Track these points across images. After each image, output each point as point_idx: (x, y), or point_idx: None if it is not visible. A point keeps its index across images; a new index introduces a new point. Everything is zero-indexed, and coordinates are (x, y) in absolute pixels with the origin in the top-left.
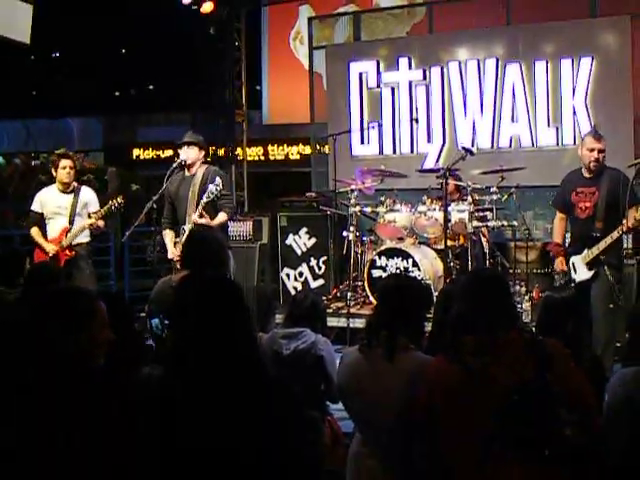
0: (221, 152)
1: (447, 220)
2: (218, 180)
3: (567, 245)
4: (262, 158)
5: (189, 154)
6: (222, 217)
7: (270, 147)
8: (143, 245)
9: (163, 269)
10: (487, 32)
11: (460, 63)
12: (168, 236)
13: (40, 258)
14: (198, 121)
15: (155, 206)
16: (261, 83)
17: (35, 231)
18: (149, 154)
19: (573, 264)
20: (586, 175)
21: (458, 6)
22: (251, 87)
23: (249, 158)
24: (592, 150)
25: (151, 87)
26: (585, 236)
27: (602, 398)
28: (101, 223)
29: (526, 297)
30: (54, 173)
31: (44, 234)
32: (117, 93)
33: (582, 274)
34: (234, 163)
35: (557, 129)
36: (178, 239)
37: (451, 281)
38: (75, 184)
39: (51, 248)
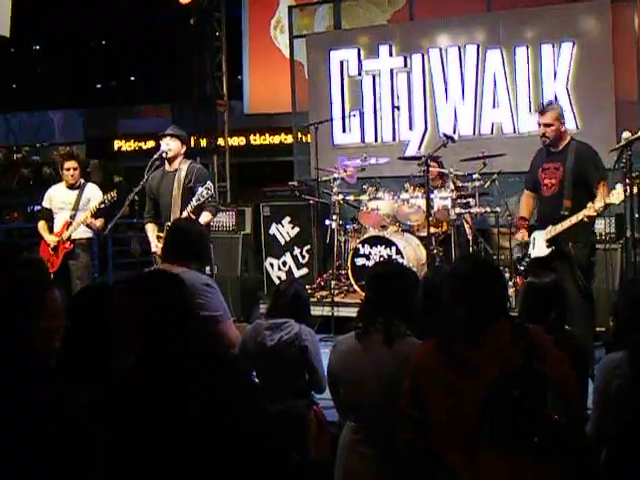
0: (203, 142)
1: (430, 207)
2: (209, 184)
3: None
4: (244, 148)
5: (171, 146)
6: (206, 217)
7: (252, 137)
8: (126, 237)
9: (146, 262)
10: (468, 19)
11: (441, 50)
12: (150, 230)
13: (45, 250)
14: (179, 112)
15: (137, 198)
16: (242, 73)
17: (41, 225)
18: (131, 146)
19: (534, 239)
20: (552, 150)
21: None
22: (232, 77)
23: (231, 148)
24: (539, 125)
25: (132, 78)
26: (550, 215)
27: (585, 384)
28: (99, 223)
29: (510, 283)
30: (60, 172)
31: (51, 228)
32: (98, 85)
33: (538, 250)
34: (216, 153)
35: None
36: (162, 234)
37: (434, 268)
38: (82, 181)
39: (52, 240)
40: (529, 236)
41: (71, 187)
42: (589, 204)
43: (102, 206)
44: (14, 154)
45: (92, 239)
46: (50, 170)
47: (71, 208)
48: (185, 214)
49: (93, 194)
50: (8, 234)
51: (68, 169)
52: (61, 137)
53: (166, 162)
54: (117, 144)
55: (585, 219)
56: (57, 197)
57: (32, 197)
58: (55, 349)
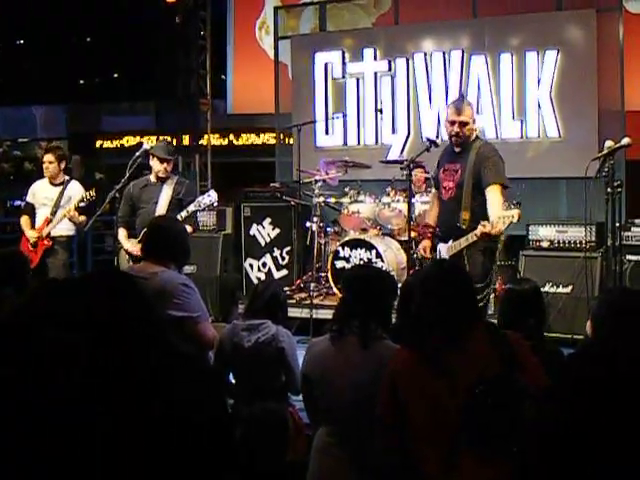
0: (185, 141)
1: (411, 211)
2: (213, 193)
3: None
4: (226, 148)
5: (167, 169)
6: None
7: (234, 137)
8: (106, 235)
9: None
10: (453, 24)
11: (425, 55)
12: (122, 233)
13: (25, 245)
14: (162, 110)
15: (118, 195)
16: (226, 72)
17: (24, 220)
18: (113, 143)
19: (439, 252)
20: (455, 150)
21: None
22: (216, 76)
23: (213, 148)
24: (453, 123)
25: (116, 75)
26: (449, 224)
27: None
28: (82, 218)
29: (488, 289)
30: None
31: (33, 224)
32: (81, 81)
33: None
34: (198, 152)
35: (521, 122)
36: (134, 240)
37: (414, 273)
38: (66, 177)
39: (32, 235)
40: (434, 248)
41: (53, 183)
42: (491, 217)
43: (81, 204)
44: None
45: (72, 237)
46: (31, 165)
47: (52, 205)
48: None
49: (74, 192)
50: None
51: (44, 162)
52: (43, 132)
53: (153, 175)
54: (99, 141)
55: (476, 237)
56: (40, 193)
57: (12, 192)
58: None
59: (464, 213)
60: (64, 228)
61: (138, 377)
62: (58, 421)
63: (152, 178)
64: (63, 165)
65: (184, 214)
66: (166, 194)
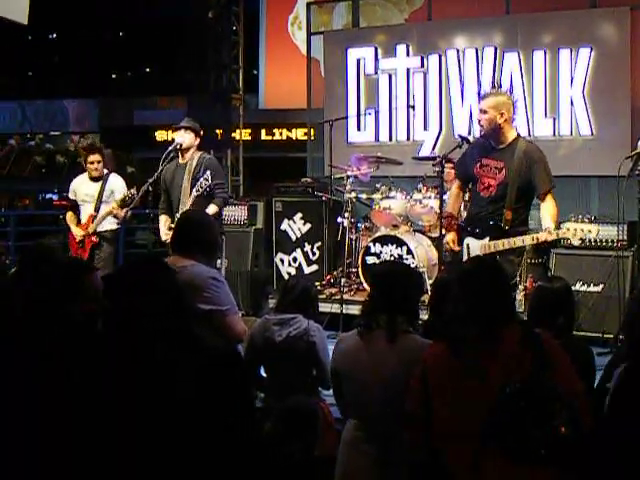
0: (217, 136)
1: (443, 208)
2: (207, 174)
3: (463, 220)
4: (258, 143)
5: (185, 138)
6: (212, 209)
7: (266, 132)
8: (135, 228)
9: (159, 252)
10: (486, 21)
11: (458, 51)
12: (163, 221)
13: (73, 242)
14: (194, 104)
15: (150, 189)
16: (258, 67)
17: (69, 216)
18: (145, 137)
19: (468, 246)
20: (495, 146)
21: None
22: (248, 71)
23: (245, 142)
24: (478, 111)
25: (148, 70)
26: (487, 221)
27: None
28: (123, 212)
29: (519, 287)
30: (84, 165)
31: (79, 219)
32: (114, 75)
33: None
34: (230, 147)
35: (554, 120)
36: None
37: (447, 268)
38: (105, 171)
39: (79, 233)
40: (460, 241)
41: (94, 179)
42: (546, 224)
43: (122, 203)
44: (28, 141)
45: (117, 230)
46: (63, 158)
47: (95, 201)
48: (188, 206)
49: (116, 185)
50: (19, 221)
51: (92, 162)
52: (75, 126)
53: (179, 154)
54: (131, 134)
55: (530, 241)
56: (81, 189)
57: (44, 185)
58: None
59: (507, 213)
60: (108, 222)
61: (141, 370)
62: None
63: (180, 159)
64: (104, 160)
65: (191, 200)
66: (188, 175)
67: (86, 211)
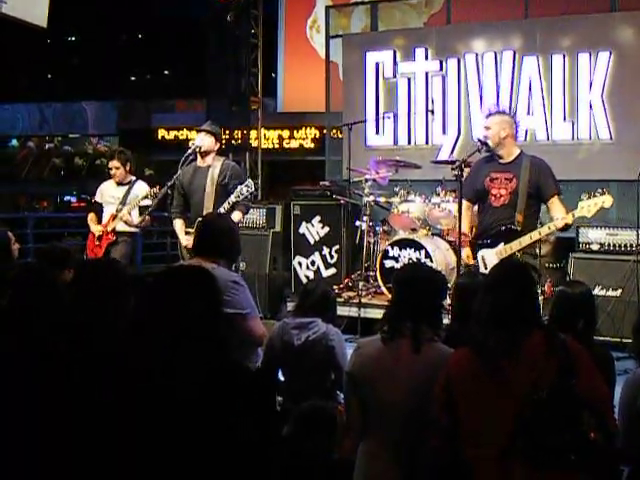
0: (236, 139)
1: (461, 212)
2: (250, 182)
3: (474, 235)
4: (276, 146)
5: (205, 142)
6: (237, 216)
7: (284, 135)
8: (156, 231)
9: (175, 255)
10: (505, 24)
11: (477, 55)
12: (178, 225)
13: (91, 240)
14: (213, 107)
15: (170, 192)
16: (277, 71)
17: (91, 216)
18: (165, 139)
19: (483, 257)
20: (501, 160)
21: None
22: (267, 74)
23: (263, 146)
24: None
25: (166, 72)
26: (500, 228)
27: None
28: (139, 219)
29: (539, 291)
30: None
31: (100, 220)
32: (133, 78)
33: None
34: (248, 150)
35: (573, 124)
36: (190, 229)
37: (465, 274)
38: (132, 178)
39: (97, 229)
40: (474, 255)
41: (121, 183)
42: (560, 216)
43: (145, 201)
44: (47, 144)
45: (136, 234)
46: (82, 161)
47: (118, 202)
48: (222, 210)
49: (141, 191)
50: (38, 223)
51: (111, 168)
52: (94, 129)
53: (198, 157)
54: (151, 137)
55: (545, 233)
56: (107, 192)
57: (62, 187)
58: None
59: (519, 216)
60: (127, 226)
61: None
62: None
63: (199, 161)
64: (128, 167)
65: (226, 206)
66: (211, 180)
67: (109, 211)
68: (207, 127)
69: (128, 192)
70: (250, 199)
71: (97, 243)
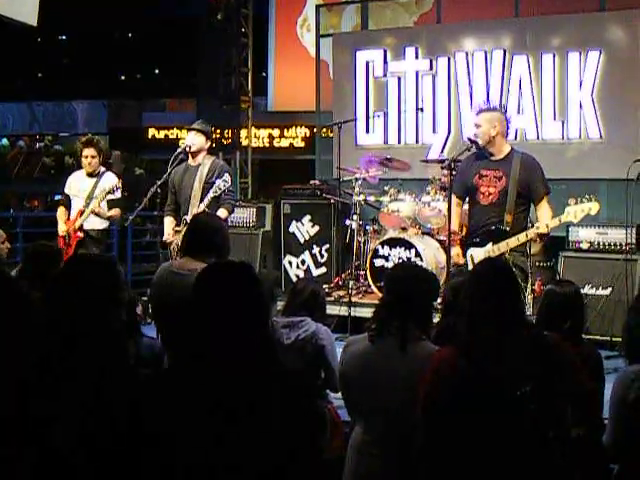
0: (226, 138)
1: (450, 211)
2: (227, 177)
3: (464, 234)
4: (266, 145)
5: (195, 141)
6: (222, 214)
7: (275, 134)
8: (146, 230)
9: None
10: (495, 23)
11: (467, 54)
12: (168, 222)
13: (61, 240)
14: (203, 107)
15: (159, 191)
16: (267, 70)
17: (60, 211)
18: (156, 138)
19: (472, 256)
20: (492, 157)
21: None
22: (257, 74)
23: (254, 145)
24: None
25: (157, 72)
26: (489, 227)
27: (600, 391)
28: (113, 212)
29: (528, 290)
30: (80, 159)
31: (70, 215)
32: (123, 77)
33: None
34: (238, 149)
35: (563, 123)
36: (179, 228)
37: (458, 273)
38: (102, 169)
39: (63, 228)
40: (464, 253)
41: (90, 175)
42: (543, 221)
43: (111, 196)
44: (37, 143)
45: (106, 231)
46: (72, 160)
47: (86, 196)
48: (202, 207)
49: (109, 183)
50: (28, 222)
51: (86, 156)
52: (84, 128)
53: (189, 156)
54: (140, 136)
55: (532, 235)
56: (75, 184)
57: (53, 186)
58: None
59: (508, 216)
60: (96, 221)
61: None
62: None
63: (190, 161)
64: (102, 157)
65: (206, 202)
66: (199, 179)
67: (76, 206)
68: (198, 126)
69: (96, 185)
70: (233, 197)
71: (66, 242)
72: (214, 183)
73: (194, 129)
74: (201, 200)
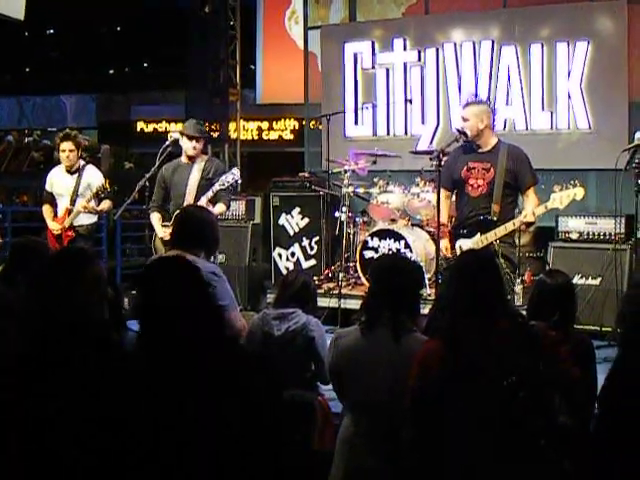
0: (215, 131)
1: (440, 202)
2: (236, 171)
3: (452, 226)
4: (255, 137)
5: (196, 146)
6: (220, 209)
7: (264, 126)
8: (135, 224)
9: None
10: (483, 14)
11: (455, 45)
12: (155, 218)
13: (50, 238)
14: (192, 100)
15: (148, 184)
16: (255, 62)
17: (45, 209)
18: (142, 132)
19: (460, 247)
20: (479, 150)
21: None
22: (245, 66)
23: (242, 137)
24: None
25: (145, 65)
26: (477, 218)
27: (591, 379)
28: (103, 206)
29: (518, 280)
30: (57, 154)
31: (56, 213)
32: (111, 71)
33: None
34: (227, 142)
35: (551, 113)
36: (169, 223)
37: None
38: (81, 163)
39: (55, 227)
40: (453, 246)
41: (69, 171)
42: (529, 210)
43: (98, 196)
44: (26, 137)
45: (94, 225)
46: None
47: (71, 194)
48: (204, 201)
49: (92, 178)
50: (16, 217)
51: (64, 150)
52: (73, 122)
53: (184, 157)
54: (130, 129)
55: (518, 224)
56: (57, 182)
57: (42, 181)
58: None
59: (495, 206)
60: (84, 217)
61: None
62: None
63: (183, 159)
64: (80, 151)
65: (210, 194)
66: (195, 175)
67: (63, 204)
68: (197, 133)
69: (79, 181)
70: (231, 191)
71: (58, 241)
72: (212, 180)
73: (194, 137)
74: (198, 196)
